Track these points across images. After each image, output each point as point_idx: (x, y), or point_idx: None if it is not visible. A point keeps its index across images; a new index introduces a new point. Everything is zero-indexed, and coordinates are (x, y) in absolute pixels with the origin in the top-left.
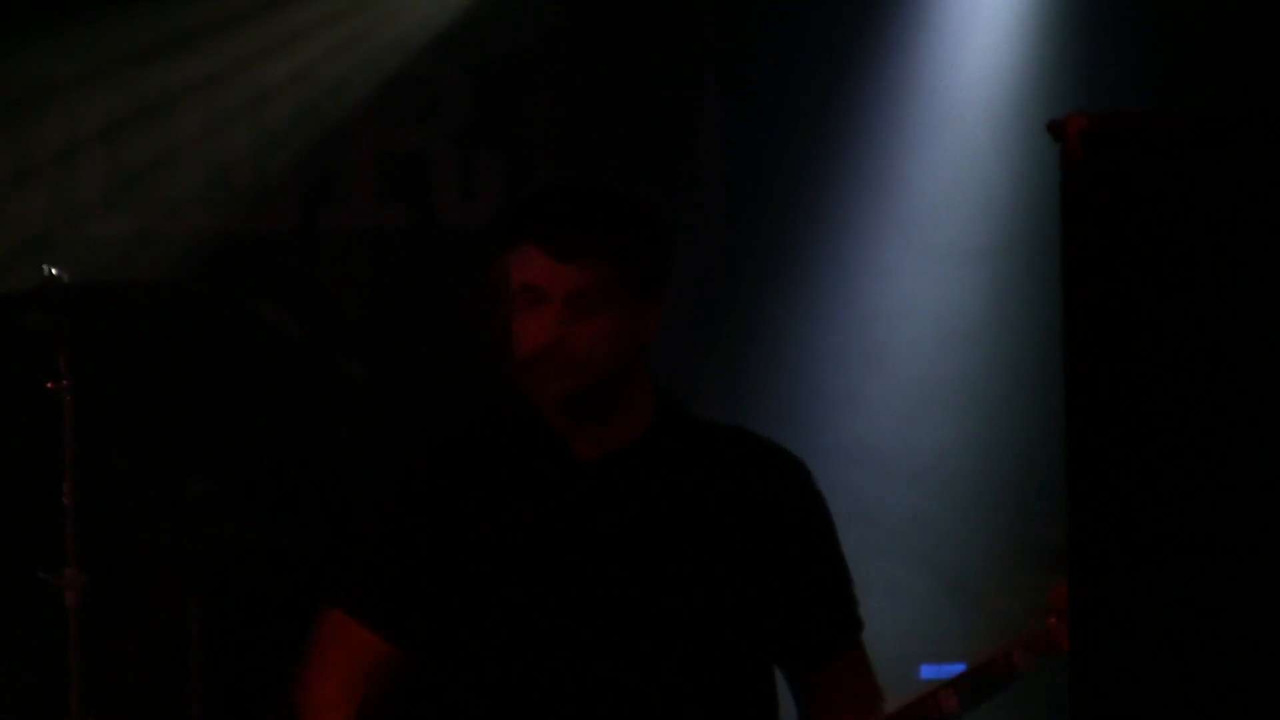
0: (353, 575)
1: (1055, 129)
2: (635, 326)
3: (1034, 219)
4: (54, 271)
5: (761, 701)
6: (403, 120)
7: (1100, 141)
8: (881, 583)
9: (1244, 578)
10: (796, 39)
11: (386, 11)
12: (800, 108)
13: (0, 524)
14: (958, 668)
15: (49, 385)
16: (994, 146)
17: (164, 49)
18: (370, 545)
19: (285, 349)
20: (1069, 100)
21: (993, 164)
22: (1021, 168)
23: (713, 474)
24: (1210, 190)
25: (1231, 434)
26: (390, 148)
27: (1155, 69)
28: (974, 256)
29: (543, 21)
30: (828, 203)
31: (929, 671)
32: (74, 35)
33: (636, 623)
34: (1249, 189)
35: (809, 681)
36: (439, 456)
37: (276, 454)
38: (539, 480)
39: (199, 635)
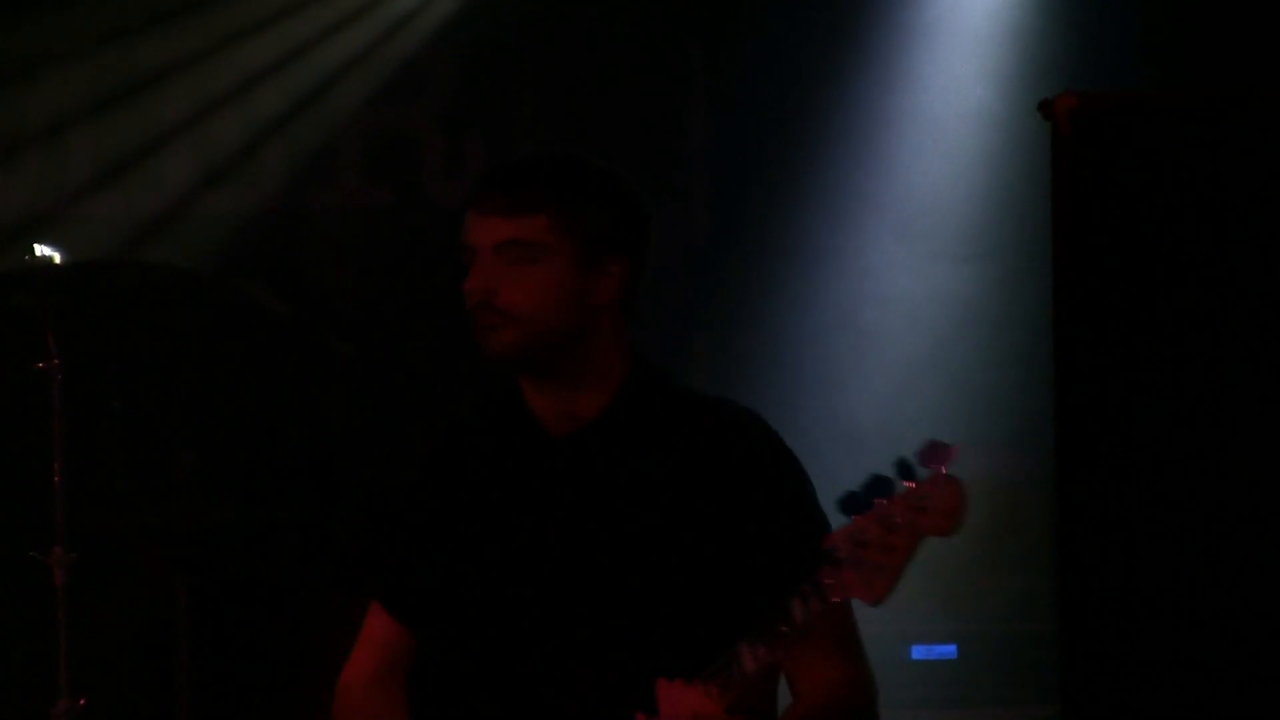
0: (374, 561)
1: (1045, 108)
2: (580, 285)
3: (1022, 204)
4: (43, 251)
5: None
6: (390, 101)
7: (1089, 120)
8: None
9: (1234, 570)
10: (784, 25)
11: None
12: (787, 94)
13: None
14: (949, 649)
15: (38, 365)
16: (981, 131)
17: (153, 29)
18: (382, 530)
19: (272, 328)
20: (1058, 84)
21: (980, 149)
22: (1009, 154)
23: (675, 444)
24: (1198, 168)
25: (1221, 412)
26: (378, 128)
27: (1143, 51)
28: (961, 242)
29: (530, 4)
30: (813, 189)
31: (919, 652)
32: (62, 15)
33: (598, 601)
34: (1235, 167)
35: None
36: (441, 439)
37: (263, 433)
38: (513, 459)
39: (186, 612)
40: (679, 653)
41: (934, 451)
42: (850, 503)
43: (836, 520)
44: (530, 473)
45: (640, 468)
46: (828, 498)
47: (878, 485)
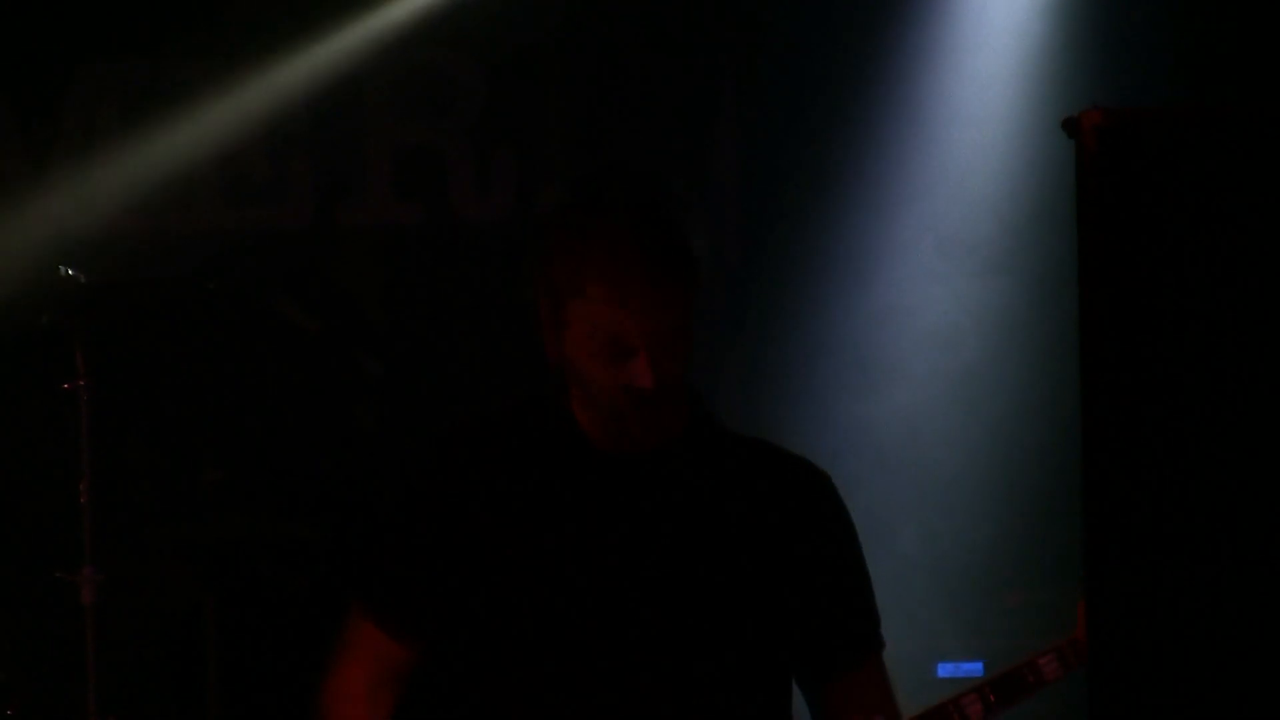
0: (372, 575)
1: (1070, 125)
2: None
3: (1049, 217)
4: (70, 271)
5: (775, 711)
6: (418, 116)
7: (1115, 137)
8: (895, 581)
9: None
10: (812, 36)
11: (402, 7)
12: (818, 104)
13: (17, 523)
14: (975, 666)
15: (65, 385)
16: (1008, 144)
17: (181, 48)
18: (387, 543)
19: (301, 345)
20: (1083, 98)
21: (1007, 162)
22: (1036, 166)
23: (738, 481)
24: (1225, 184)
25: (1247, 429)
26: (406, 144)
27: (1169, 65)
28: (988, 254)
29: (557, 17)
30: (842, 201)
31: (946, 670)
32: (92, 35)
33: (652, 625)
34: (1263, 183)
35: (825, 693)
36: (453, 449)
37: (292, 449)
38: (560, 474)
39: (214, 628)
40: (733, 683)
41: None
42: None
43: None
44: (582, 488)
45: (703, 496)
46: (851, 506)
47: None
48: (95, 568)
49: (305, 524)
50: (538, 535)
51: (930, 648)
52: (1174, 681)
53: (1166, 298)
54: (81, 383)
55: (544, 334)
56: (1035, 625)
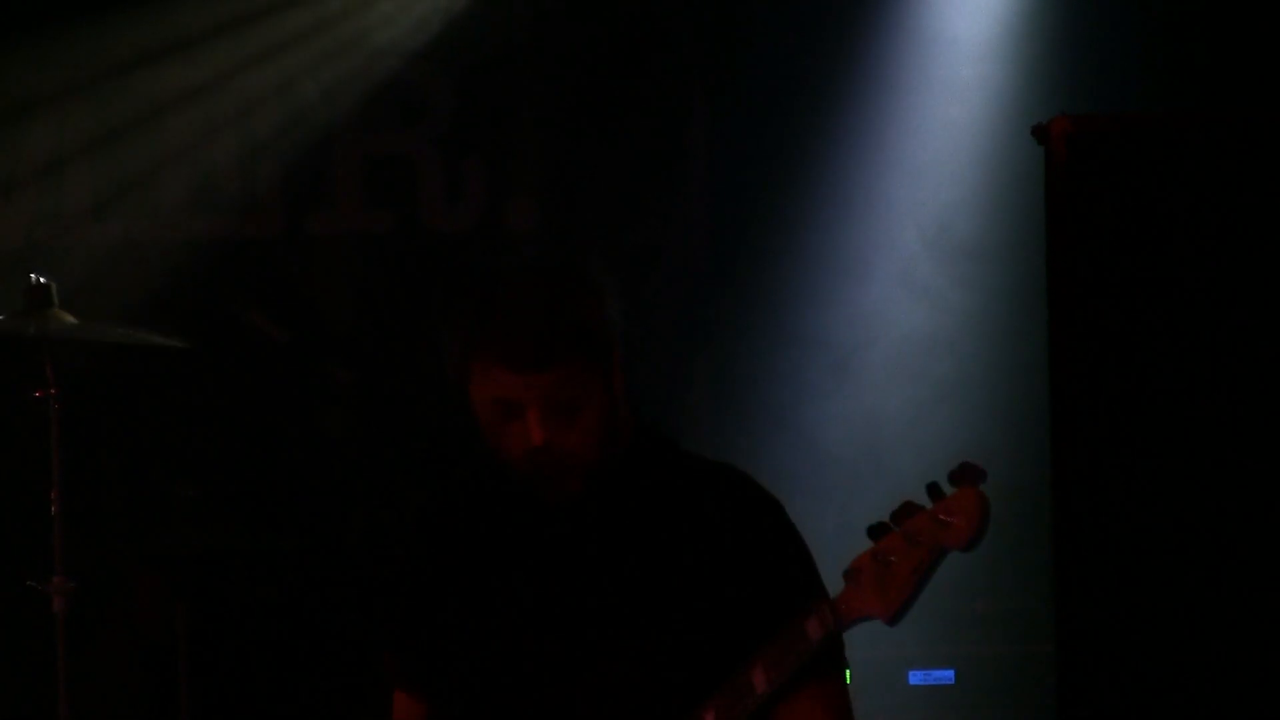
0: (389, 650)
1: (1039, 133)
2: (612, 396)
3: (1025, 222)
4: (41, 280)
5: None
6: (388, 126)
7: (1084, 143)
8: None
9: (1235, 591)
10: (783, 45)
11: (372, 19)
12: (788, 112)
13: None
14: (946, 674)
15: (36, 394)
16: (979, 150)
17: (151, 58)
18: (388, 618)
19: (272, 354)
20: (1052, 104)
21: (978, 168)
22: (1008, 171)
23: (684, 509)
24: (1193, 189)
25: (1215, 428)
26: (376, 153)
27: (1138, 71)
28: (961, 258)
29: (527, 26)
30: (813, 206)
31: (917, 677)
32: (61, 45)
33: (601, 661)
34: (1231, 187)
35: (777, 715)
36: (431, 515)
37: (262, 459)
38: (513, 528)
39: (185, 639)
40: (689, 698)
41: (964, 472)
42: (877, 529)
43: (832, 583)
44: (530, 539)
45: (638, 527)
46: (847, 508)
47: (906, 509)
48: (66, 576)
49: (276, 533)
50: (497, 589)
51: (901, 656)
52: (1142, 688)
53: (1134, 299)
54: (52, 391)
55: (458, 393)
56: (1006, 632)
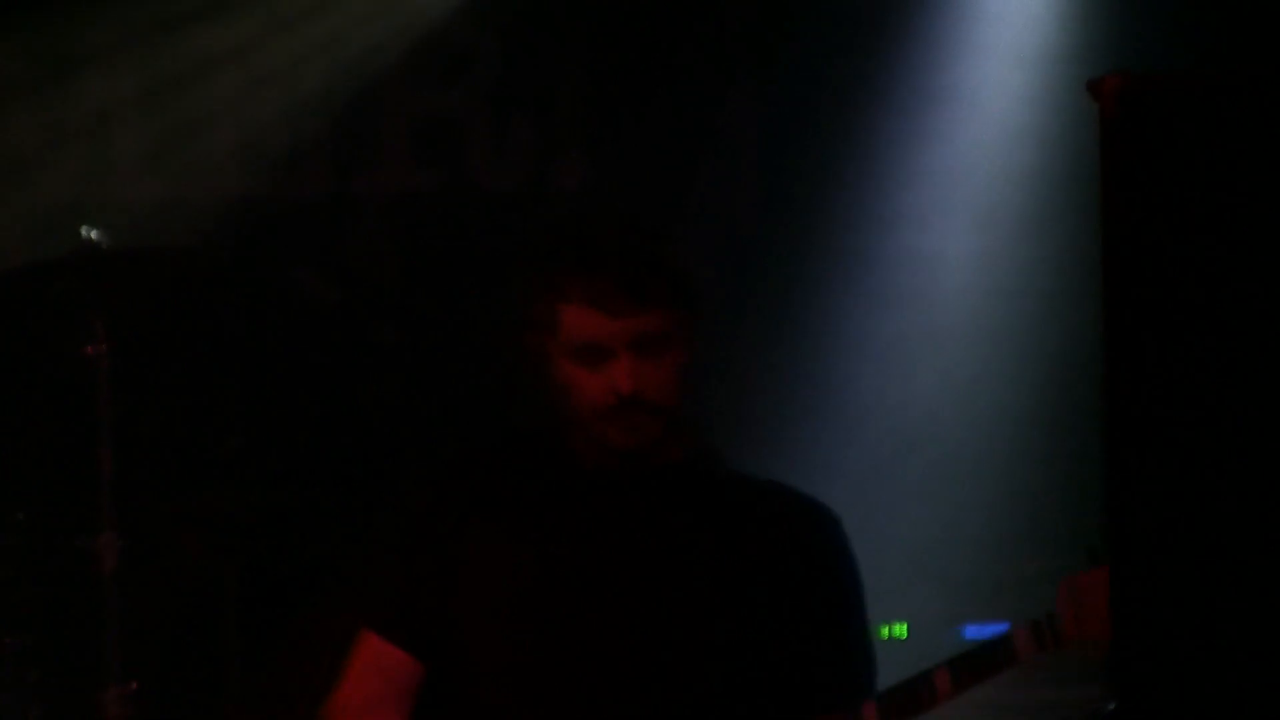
0: (379, 590)
1: (1094, 88)
2: (692, 351)
3: (1072, 183)
4: (92, 235)
5: None
6: (435, 84)
7: (1137, 101)
8: (922, 550)
9: None
10: (831, 7)
11: None
12: (839, 71)
13: (37, 490)
14: (1001, 627)
15: (86, 350)
16: (1030, 110)
17: (198, 14)
18: (392, 561)
19: (318, 314)
20: (1105, 64)
21: (1029, 128)
22: (1057, 133)
23: (736, 511)
24: (1248, 150)
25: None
26: (423, 112)
27: (1193, 30)
28: (1012, 223)
29: None
30: (860, 168)
31: (973, 632)
32: (108, 2)
33: (644, 646)
34: None
35: None
36: (452, 474)
37: (309, 418)
38: (551, 494)
39: (234, 596)
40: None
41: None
42: (1094, 553)
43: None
44: (573, 506)
45: (703, 522)
46: (876, 486)
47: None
48: (115, 534)
49: (324, 492)
50: (526, 553)
51: (957, 610)
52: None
53: (1189, 263)
54: (102, 348)
55: (532, 346)
56: (1047, 596)
